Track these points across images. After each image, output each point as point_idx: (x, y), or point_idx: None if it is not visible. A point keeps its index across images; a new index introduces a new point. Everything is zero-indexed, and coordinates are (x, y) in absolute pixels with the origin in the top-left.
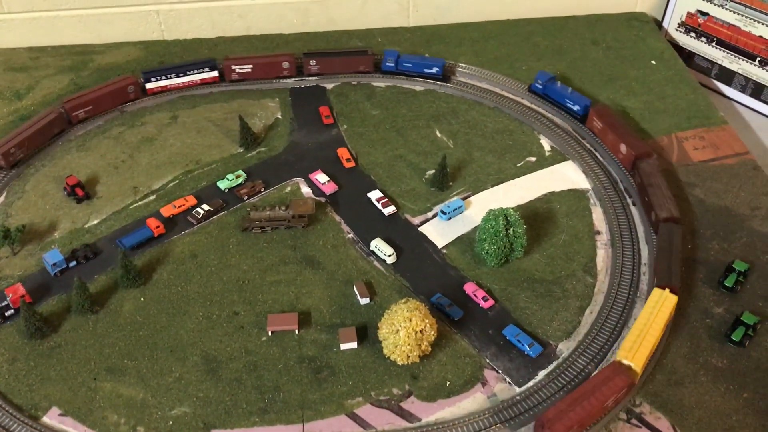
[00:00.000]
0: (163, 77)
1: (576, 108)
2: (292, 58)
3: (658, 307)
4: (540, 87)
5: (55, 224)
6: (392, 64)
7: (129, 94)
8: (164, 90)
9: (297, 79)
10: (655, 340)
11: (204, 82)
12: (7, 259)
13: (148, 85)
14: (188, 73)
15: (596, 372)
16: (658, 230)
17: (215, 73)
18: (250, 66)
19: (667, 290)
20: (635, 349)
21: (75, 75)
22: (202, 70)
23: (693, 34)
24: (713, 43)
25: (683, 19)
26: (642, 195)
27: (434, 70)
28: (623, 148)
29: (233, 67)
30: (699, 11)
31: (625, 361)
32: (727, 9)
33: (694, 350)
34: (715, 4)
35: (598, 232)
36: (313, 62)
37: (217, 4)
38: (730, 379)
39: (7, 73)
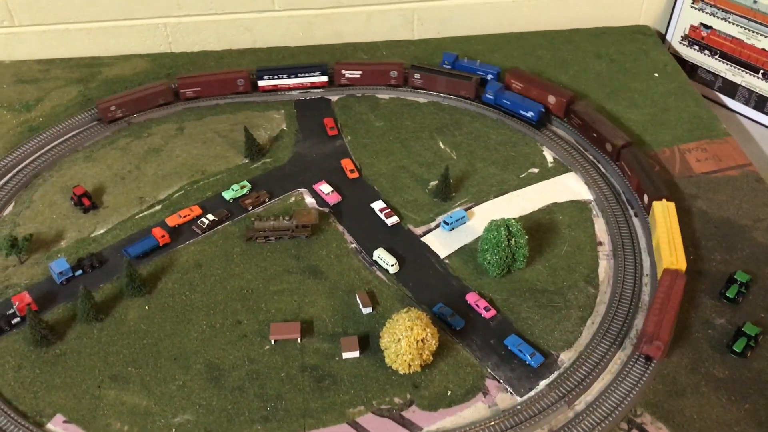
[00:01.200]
0: (276, 77)
1: (489, 76)
2: (401, 68)
3: (667, 216)
4: (448, 67)
5: (62, 233)
6: (492, 97)
7: (238, 87)
8: (275, 89)
9: (302, 91)
10: (680, 243)
11: (314, 86)
12: (14, 267)
13: (261, 83)
14: (300, 75)
15: (658, 286)
16: (618, 158)
17: (325, 78)
18: (360, 72)
19: (664, 200)
20: (673, 254)
21: (83, 87)
22: (313, 73)
23: (696, 47)
24: (716, 56)
25: (686, 33)
26: (588, 132)
27: (530, 114)
28: (551, 98)
29: (343, 72)
30: (702, 24)
31: (673, 267)
32: (730, 22)
33: (696, 361)
34: (718, 18)
35: (600, 243)
36: (417, 76)
37: (224, 17)
38: (732, 390)
39: (16, 85)
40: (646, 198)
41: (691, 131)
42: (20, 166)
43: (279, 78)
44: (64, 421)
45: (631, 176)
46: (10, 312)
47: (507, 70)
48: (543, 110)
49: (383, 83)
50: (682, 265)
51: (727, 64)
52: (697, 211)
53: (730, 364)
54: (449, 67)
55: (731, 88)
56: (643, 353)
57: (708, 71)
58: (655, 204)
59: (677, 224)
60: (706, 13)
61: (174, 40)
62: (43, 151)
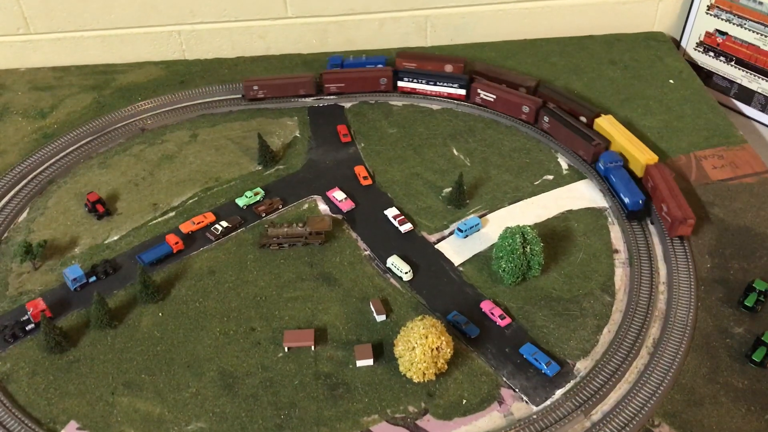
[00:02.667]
0: (415, 80)
1: (379, 66)
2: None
3: (613, 125)
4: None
5: (76, 240)
6: (602, 168)
7: (380, 85)
8: (412, 92)
9: (315, 98)
10: (639, 141)
11: (450, 97)
12: (28, 274)
13: (400, 83)
14: (439, 83)
15: (652, 180)
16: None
17: (463, 92)
18: (494, 96)
19: (601, 115)
20: (643, 151)
21: (98, 94)
22: (452, 84)
23: (711, 54)
24: (732, 63)
25: (701, 39)
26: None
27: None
28: (448, 67)
29: (479, 91)
30: (717, 31)
31: (651, 162)
32: (746, 28)
33: (714, 370)
34: (734, 24)
35: (616, 251)
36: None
37: (238, 24)
38: (752, 400)
39: (32, 92)
40: (583, 119)
41: (707, 138)
42: (35, 173)
43: (419, 82)
44: (78, 428)
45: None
46: (25, 318)
47: (398, 54)
48: (642, 200)
49: (514, 115)
50: (654, 157)
51: (743, 71)
52: (714, 218)
53: (749, 374)
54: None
55: (747, 95)
56: (678, 235)
57: (724, 78)
58: (597, 121)
59: (625, 129)
60: (722, 19)
61: (188, 48)
62: (57, 157)
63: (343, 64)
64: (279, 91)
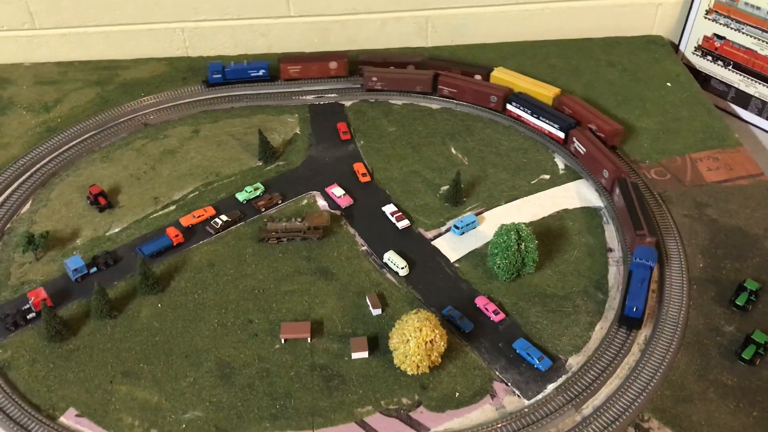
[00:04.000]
0: (523, 109)
1: (261, 72)
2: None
3: (509, 73)
4: (219, 77)
5: (78, 231)
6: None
7: (491, 102)
8: (518, 118)
9: (316, 96)
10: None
11: (549, 135)
12: (30, 264)
13: (509, 106)
14: (542, 118)
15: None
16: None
17: (562, 135)
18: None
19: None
20: (545, 87)
21: (101, 89)
22: (554, 125)
23: (709, 58)
24: (730, 67)
25: (700, 43)
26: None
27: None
28: (333, 64)
29: (574, 139)
30: (716, 35)
31: (556, 94)
32: (743, 33)
33: (704, 367)
34: (731, 29)
35: (611, 250)
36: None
37: (240, 22)
38: (740, 397)
39: (36, 87)
40: (478, 77)
41: (703, 140)
42: (38, 165)
43: (525, 111)
44: (77, 415)
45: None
46: (26, 307)
47: (281, 59)
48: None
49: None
50: (557, 90)
51: (741, 75)
52: (708, 219)
53: (738, 371)
54: (219, 77)
55: (744, 99)
56: (613, 145)
57: (721, 82)
58: (493, 74)
59: (520, 74)
60: (720, 23)
61: (191, 45)
62: (60, 150)
63: (225, 70)
64: (397, 85)
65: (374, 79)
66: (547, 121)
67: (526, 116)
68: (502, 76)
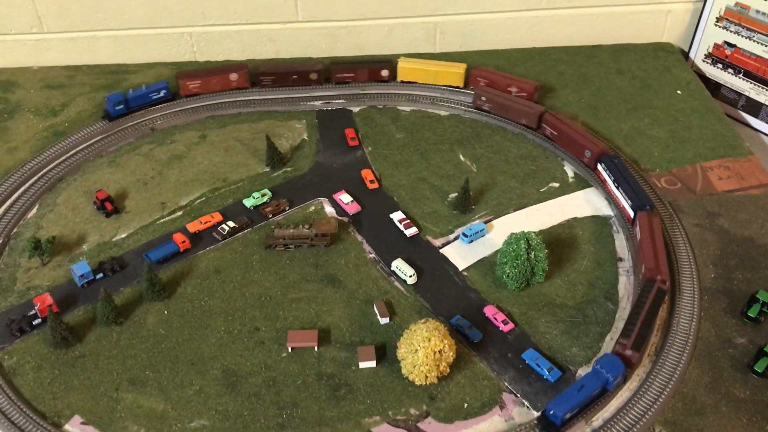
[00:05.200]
0: (608, 173)
1: (162, 93)
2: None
3: (412, 61)
4: (122, 108)
5: (84, 237)
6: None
7: (584, 157)
8: (603, 181)
9: (324, 102)
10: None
11: (623, 210)
12: (36, 269)
13: (599, 166)
14: (620, 190)
15: (480, 83)
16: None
17: (631, 214)
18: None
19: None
20: (452, 66)
21: (108, 93)
22: (627, 200)
23: (720, 66)
24: (740, 75)
25: (710, 51)
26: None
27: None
28: (234, 76)
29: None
30: (726, 43)
31: (462, 71)
32: (754, 41)
33: (716, 380)
34: (742, 36)
35: (621, 259)
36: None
37: (248, 27)
38: (753, 410)
39: (44, 90)
40: (386, 72)
41: (714, 149)
42: (45, 170)
43: (609, 177)
44: (82, 423)
45: None
46: (32, 313)
47: (178, 75)
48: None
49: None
50: (463, 64)
51: (751, 83)
52: (719, 229)
53: (751, 384)
54: (122, 108)
55: (755, 107)
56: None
57: (731, 90)
58: (400, 67)
59: (422, 60)
60: (731, 31)
61: (198, 49)
62: (67, 155)
63: (128, 98)
64: (503, 111)
65: (483, 98)
66: (624, 195)
67: (609, 182)
68: (409, 66)
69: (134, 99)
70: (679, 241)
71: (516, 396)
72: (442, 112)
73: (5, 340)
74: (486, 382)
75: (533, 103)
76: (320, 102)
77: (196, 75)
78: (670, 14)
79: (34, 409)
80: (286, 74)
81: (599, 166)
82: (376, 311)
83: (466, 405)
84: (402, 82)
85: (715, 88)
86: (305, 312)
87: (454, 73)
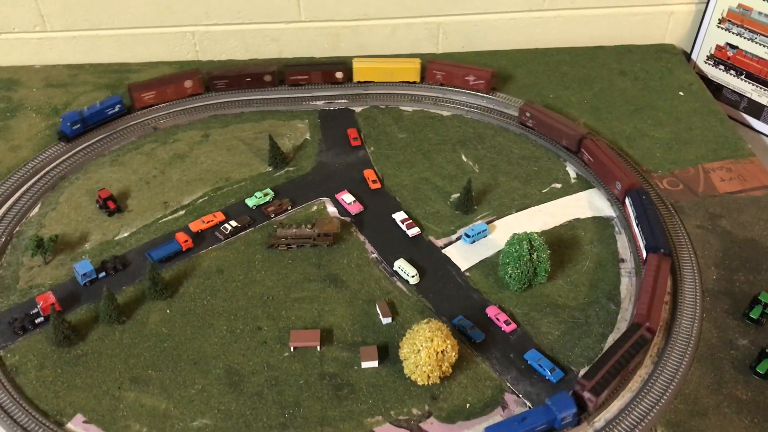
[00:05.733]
0: (633, 208)
1: (117, 108)
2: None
3: (368, 60)
4: (78, 127)
5: (87, 236)
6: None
7: (615, 189)
8: (627, 217)
9: (326, 101)
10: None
11: (637, 245)
12: (39, 268)
13: (626, 200)
14: (640, 228)
15: (436, 76)
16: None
17: (644, 254)
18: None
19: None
20: (405, 61)
21: (111, 92)
22: (643, 239)
23: (722, 67)
24: (742, 76)
25: (712, 52)
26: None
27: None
28: (188, 83)
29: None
30: (728, 44)
31: (417, 65)
32: (757, 43)
33: (718, 381)
34: (745, 38)
35: (623, 260)
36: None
37: (251, 27)
38: (755, 412)
39: (46, 89)
40: (339, 74)
41: (716, 151)
42: (47, 168)
43: (633, 213)
44: (84, 421)
45: None
46: (34, 311)
47: (131, 87)
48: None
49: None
50: (416, 60)
51: (754, 85)
52: (721, 231)
53: (753, 385)
54: (78, 128)
55: (757, 109)
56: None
57: (733, 91)
58: (355, 68)
59: (375, 58)
60: (733, 33)
61: (201, 49)
62: (70, 154)
63: (84, 116)
64: (546, 130)
65: (528, 114)
66: (641, 233)
67: (631, 217)
68: (364, 65)
69: (90, 117)
70: (680, 243)
71: (518, 396)
72: (445, 113)
73: (8, 338)
74: (488, 383)
75: (577, 125)
76: (323, 102)
77: (150, 86)
78: (673, 16)
79: (37, 408)
80: (240, 77)
81: (626, 200)
82: (379, 311)
83: (468, 405)
84: (358, 82)
85: (717, 89)
86: (307, 312)
87: (410, 69)
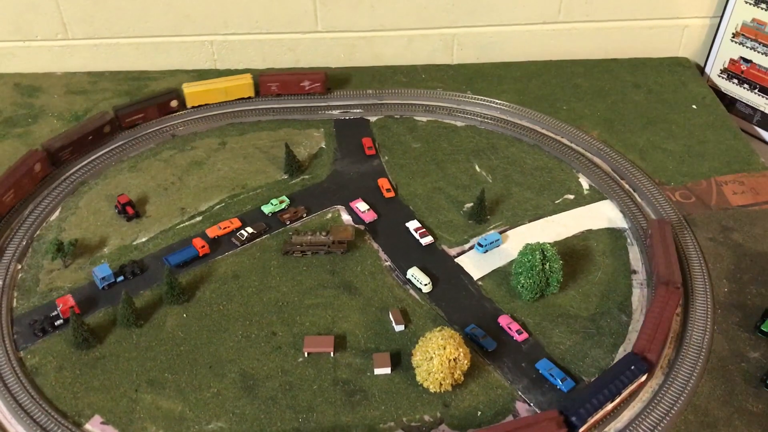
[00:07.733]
0: None
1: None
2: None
3: (198, 84)
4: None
5: (105, 240)
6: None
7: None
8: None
9: (342, 111)
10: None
11: None
12: (59, 271)
13: None
14: None
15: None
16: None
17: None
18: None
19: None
20: (236, 78)
21: (130, 99)
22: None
23: (735, 81)
24: (756, 90)
25: (726, 66)
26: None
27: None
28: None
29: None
30: (742, 58)
31: (249, 80)
32: None
33: (729, 393)
34: (758, 52)
35: (635, 272)
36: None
37: (268, 37)
38: (766, 425)
39: (67, 96)
40: (175, 102)
41: (729, 164)
42: (67, 174)
43: None
44: (102, 423)
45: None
46: (54, 314)
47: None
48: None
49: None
50: (248, 75)
51: (767, 99)
52: (734, 244)
53: (764, 398)
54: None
55: None
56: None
57: (747, 105)
58: (186, 93)
59: (207, 80)
60: (747, 47)
61: (219, 58)
62: (89, 159)
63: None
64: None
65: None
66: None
67: None
68: (195, 89)
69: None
70: (692, 255)
71: (529, 405)
72: (459, 123)
73: (28, 339)
74: (500, 391)
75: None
76: (338, 111)
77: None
78: (687, 29)
79: (56, 408)
80: (81, 138)
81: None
82: (392, 318)
83: (479, 413)
84: (193, 107)
85: (730, 103)
86: (321, 318)
87: (243, 85)
